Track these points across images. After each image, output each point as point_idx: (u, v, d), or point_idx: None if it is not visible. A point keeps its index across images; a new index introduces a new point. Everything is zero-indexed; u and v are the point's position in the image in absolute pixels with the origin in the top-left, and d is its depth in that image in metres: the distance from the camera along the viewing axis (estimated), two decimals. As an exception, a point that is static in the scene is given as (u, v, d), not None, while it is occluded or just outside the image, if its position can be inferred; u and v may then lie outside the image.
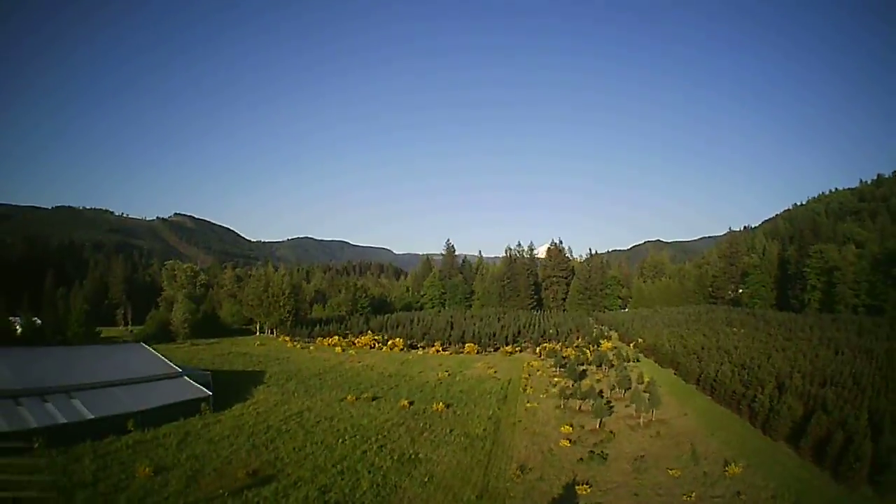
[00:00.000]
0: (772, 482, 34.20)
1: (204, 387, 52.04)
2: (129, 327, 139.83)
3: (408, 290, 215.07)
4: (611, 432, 46.61)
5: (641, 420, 49.35)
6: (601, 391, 61.24)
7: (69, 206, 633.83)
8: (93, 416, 40.34)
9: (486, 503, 32.21)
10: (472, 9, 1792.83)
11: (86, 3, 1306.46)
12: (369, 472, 35.85)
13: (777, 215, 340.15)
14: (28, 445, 34.91)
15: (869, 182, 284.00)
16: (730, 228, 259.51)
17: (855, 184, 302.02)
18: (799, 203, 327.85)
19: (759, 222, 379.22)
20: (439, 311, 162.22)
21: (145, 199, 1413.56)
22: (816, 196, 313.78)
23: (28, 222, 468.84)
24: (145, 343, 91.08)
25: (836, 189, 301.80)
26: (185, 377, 53.46)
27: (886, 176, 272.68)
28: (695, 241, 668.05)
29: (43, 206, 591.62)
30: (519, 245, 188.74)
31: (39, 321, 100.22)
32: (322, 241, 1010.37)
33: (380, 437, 44.17)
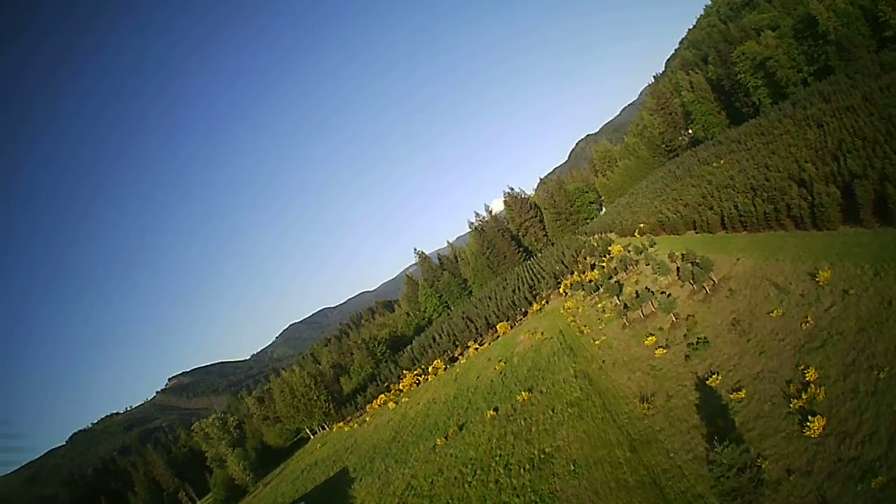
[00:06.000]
0: (864, 263, 32.19)
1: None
2: (199, 502, 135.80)
3: (408, 314, 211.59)
4: (687, 317, 45.17)
5: (706, 290, 48.03)
6: (647, 287, 59.75)
7: (81, 430, 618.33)
8: None
9: (644, 450, 30.38)
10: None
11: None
12: (517, 496, 33.73)
13: (678, 50, 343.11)
14: None
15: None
16: (646, 85, 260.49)
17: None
18: (692, 27, 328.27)
19: (663, 64, 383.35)
20: (449, 315, 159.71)
21: (137, 385, 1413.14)
22: (703, 11, 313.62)
23: (56, 467, 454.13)
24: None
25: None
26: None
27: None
28: (619, 115, 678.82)
29: (59, 445, 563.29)
30: (477, 215, 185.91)
31: None
32: (305, 319, 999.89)
33: (496, 459, 41.85)
